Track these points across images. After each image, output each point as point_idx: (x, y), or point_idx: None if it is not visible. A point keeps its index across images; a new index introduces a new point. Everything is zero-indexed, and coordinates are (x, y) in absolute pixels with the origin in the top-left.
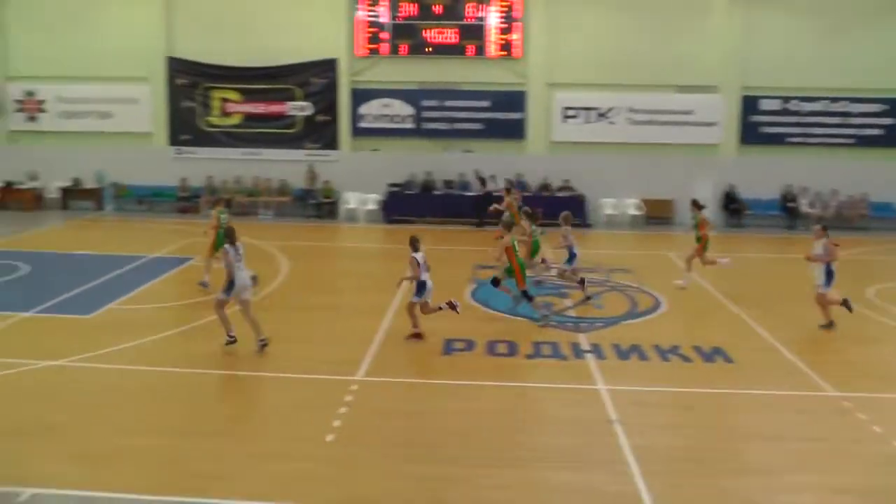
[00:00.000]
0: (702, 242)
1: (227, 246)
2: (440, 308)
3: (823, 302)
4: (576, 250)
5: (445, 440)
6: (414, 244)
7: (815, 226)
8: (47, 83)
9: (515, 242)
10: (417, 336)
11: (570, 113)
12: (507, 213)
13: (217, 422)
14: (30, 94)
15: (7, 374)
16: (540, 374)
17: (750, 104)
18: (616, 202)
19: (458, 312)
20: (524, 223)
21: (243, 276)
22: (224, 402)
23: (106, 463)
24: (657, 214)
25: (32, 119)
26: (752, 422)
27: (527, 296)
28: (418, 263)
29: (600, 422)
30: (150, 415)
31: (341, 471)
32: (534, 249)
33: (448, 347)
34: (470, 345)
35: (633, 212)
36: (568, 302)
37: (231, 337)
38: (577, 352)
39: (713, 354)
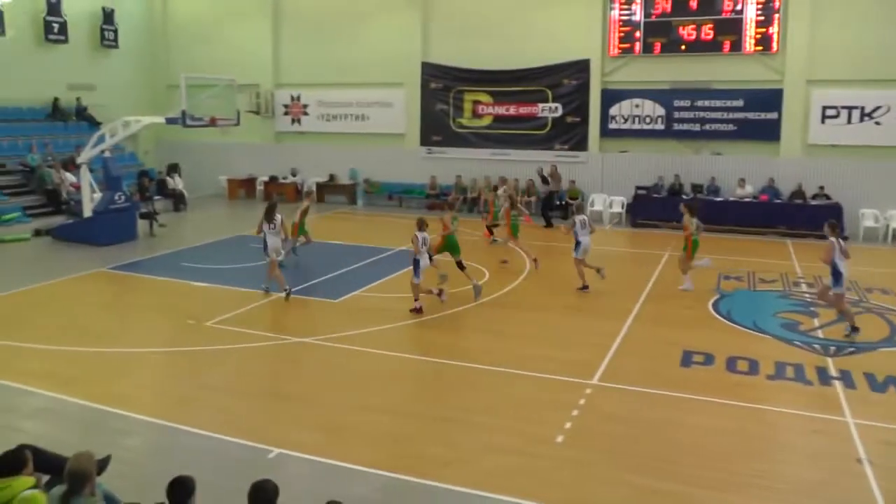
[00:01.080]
0: (688, 247)
1: (263, 221)
2: (430, 291)
3: (826, 300)
4: (581, 238)
5: (676, 456)
6: (420, 225)
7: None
8: (311, 89)
9: (455, 222)
10: (418, 311)
11: (830, 112)
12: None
13: (450, 410)
14: (295, 99)
15: (262, 345)
16: (781, 398)
17: None
18: (877, 213)
19: (442, 301)
20: (445, 218)
21: (275, 241)
22: (458, 391)
23: (341, 434)
24: None
25: (296, 121)
26: None
27: (461, 266)
28: (418, 241)
29: (845, 458)
30: (385, 395)
31: (568, 473)
32: (450, 246)
33: (687, 359)
34: (709, 359)
35: None
36: (817, 322)
37: (286, 290)
38: (824, 377)
39: None
